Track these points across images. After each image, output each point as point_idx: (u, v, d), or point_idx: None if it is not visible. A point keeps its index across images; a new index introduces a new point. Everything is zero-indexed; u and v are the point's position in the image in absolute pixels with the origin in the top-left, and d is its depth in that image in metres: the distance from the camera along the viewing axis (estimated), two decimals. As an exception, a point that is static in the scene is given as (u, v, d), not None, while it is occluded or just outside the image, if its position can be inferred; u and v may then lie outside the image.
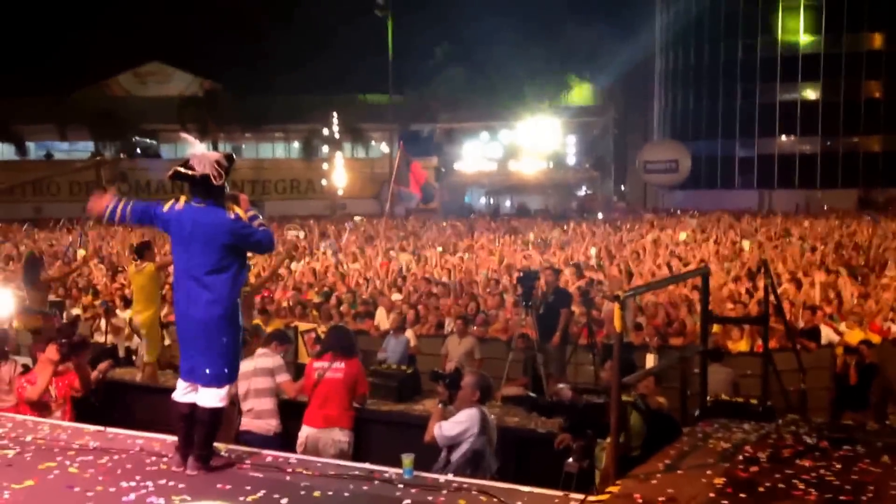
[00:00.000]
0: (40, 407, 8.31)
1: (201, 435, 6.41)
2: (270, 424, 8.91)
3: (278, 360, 9.12)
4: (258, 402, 8.86)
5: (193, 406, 6.47)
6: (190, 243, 6.40)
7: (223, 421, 6.85)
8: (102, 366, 9.34)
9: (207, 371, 6.40)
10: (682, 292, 15.67)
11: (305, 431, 8.39)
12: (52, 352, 8.39)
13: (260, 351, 9.17)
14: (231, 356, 6.50)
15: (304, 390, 8.63)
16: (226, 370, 6.47)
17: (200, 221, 6.37)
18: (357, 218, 46.92)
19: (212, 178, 6.32)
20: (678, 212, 51.87)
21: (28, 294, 14.63)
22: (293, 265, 21.17)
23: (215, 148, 56.11)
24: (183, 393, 6.54)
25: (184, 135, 6.69)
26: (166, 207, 6.52)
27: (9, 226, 41.12)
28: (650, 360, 11.99)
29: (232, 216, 6.41)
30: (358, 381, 8.65)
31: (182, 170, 6.40)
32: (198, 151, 6.42)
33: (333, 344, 8.72)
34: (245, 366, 8.52)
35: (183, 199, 6.48)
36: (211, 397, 6.44)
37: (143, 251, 12.87)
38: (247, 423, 8.85)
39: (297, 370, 13.85)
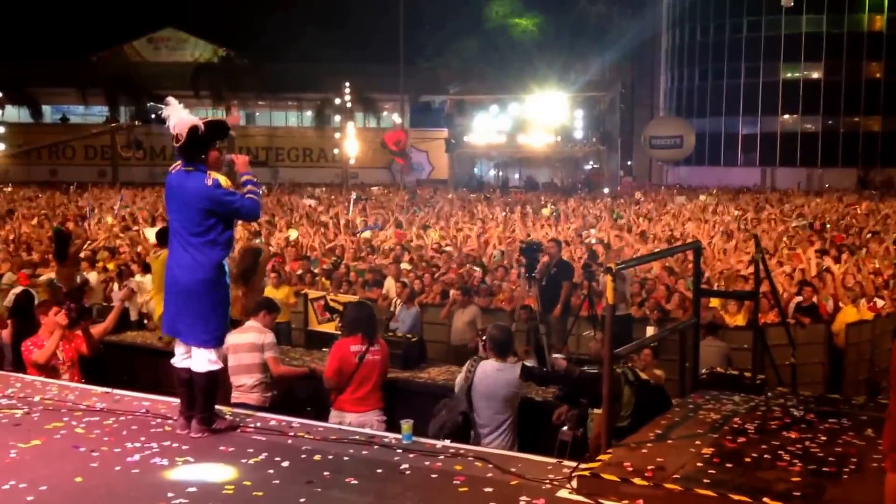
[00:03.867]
0: (48, 370, 8.40)
1: (201, 399, 6.55)
2: (265, 396, 8.97)
3: (269, 336, 9.05)
4: (249, 378, 8.90)
5: (191, 371, 6.58)
6: (176, 207, 6.53)
7: (220, 384, 6.95)
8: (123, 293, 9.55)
9: (195, 334, 6.51)
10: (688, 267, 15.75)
11: (347, 417, 8.03)
12: (61, 317, 8.43)
13: (250, 324, 9.07)
14: (217, 319, 6.56)
15: (336, 373, 8.23)
16: (213, 333, 6.55)
17: (183, 186, 6.47)
18: (375, 188, 46.86)
19: (178, 136, 6.37)
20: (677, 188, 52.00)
21: (57, 270, 14.54)
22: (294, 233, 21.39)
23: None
24: (181, 359, 6.66)
25: (169, 98, 6.59)
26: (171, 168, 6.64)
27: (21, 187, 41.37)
28: (650, 333, 12.07)
29: (210, 182, 6.39)
30: (388, 360, 8.68)
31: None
32: (174, 118, 6.44)
33: (365, 324, 8.38)
34: (235, 339, 8.55)
35: (179, 163, 6.55)
36: (203, 361, 6.55)
37: (162, 238, 12.86)
38: (241, 397, 8.87)
39: (308, 336, 13.96)
